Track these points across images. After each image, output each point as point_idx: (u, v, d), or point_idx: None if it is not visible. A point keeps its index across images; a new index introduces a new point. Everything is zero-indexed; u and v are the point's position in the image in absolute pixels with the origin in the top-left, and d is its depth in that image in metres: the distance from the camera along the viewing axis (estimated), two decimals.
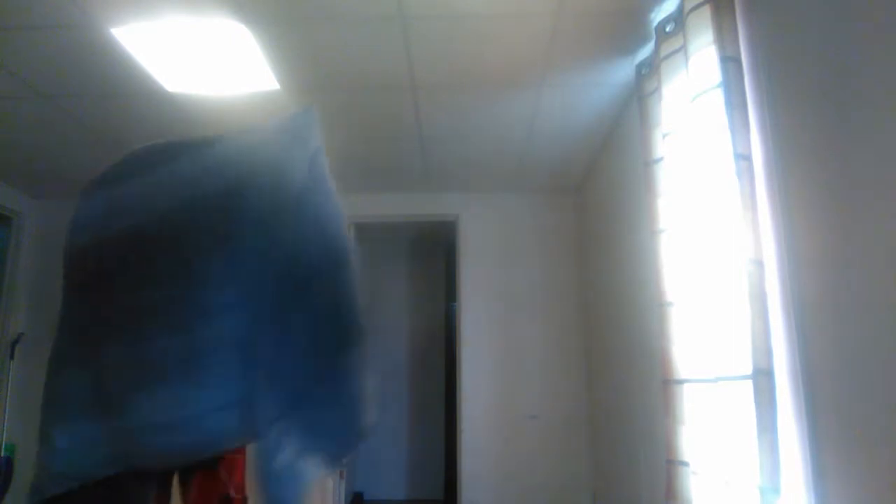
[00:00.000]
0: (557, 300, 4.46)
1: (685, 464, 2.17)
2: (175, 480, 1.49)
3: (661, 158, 2.41)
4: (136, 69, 2.78)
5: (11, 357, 4.25)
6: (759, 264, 1.70)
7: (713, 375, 1.94)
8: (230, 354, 1.28)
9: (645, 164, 2.53)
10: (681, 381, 2.22)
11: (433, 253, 5.82)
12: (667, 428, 2.27)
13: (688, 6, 2.05)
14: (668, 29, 2.30)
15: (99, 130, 3.44)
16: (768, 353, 1.66)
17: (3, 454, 4.10)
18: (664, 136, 2.33)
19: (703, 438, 2.00)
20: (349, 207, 4.93)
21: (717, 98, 1.91)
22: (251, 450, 1.33)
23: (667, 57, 2.29)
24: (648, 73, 2.58)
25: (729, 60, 1.87)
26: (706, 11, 1.96)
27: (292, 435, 1.34)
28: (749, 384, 1.69)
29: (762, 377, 1.64)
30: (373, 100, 3.18)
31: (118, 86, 2.93)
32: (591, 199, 4.24)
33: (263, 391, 1.30)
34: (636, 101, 2.73)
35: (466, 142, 3.71)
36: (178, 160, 1.39)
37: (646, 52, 2.63)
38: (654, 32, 2.43)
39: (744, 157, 1.78)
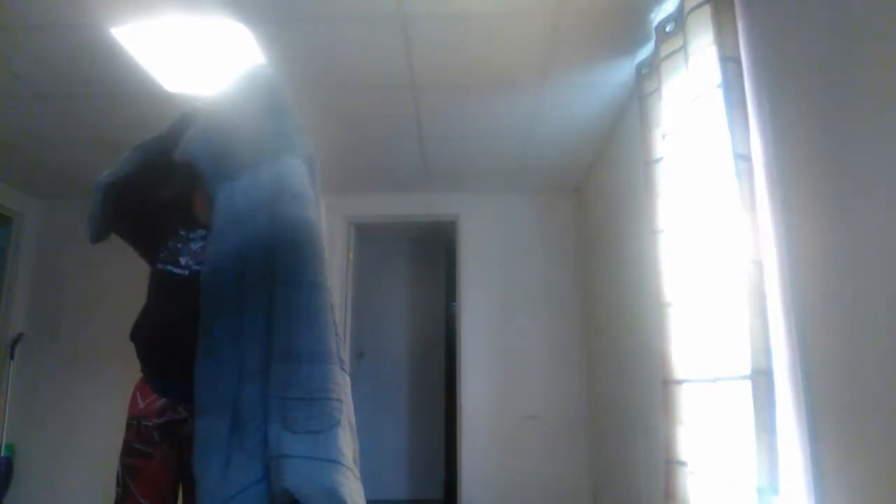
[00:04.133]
0: (557, 300, 4.45)
1: (683, 463, 2.17)
2: None
3: (661, 158, 2.41)
4: (136, 69, 2.78)
5: (11, 357, 4.25)
6: (759, 264, 1.70)
7: (712, 376, 1.94)
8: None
9: (645, 164, 2.53)
10: (679, 382, 2.22)
11: (433, 253, 5.81)
12: (665, 428, 2.27)
13: (688, 6, 2.05)
14: (668, 29, 2.30)
15: (99, 130, 3.43)
16: (767, 352, 1.65)
17: (3, 454, 4.10)
18: (664, 136, 2.33)
19: (702, 438, 2.00)
20: (349, 207, 4.92)
21: (717, 98, 1.91)
22: None
23: (667, 57, 2.29)
24: (648, 73, 2.58)
25: (729, 60, 1.87)
26: (706, 11, 1.96)
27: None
28: (748, 384, 1.69)
29: (761, 377, 1.64)
30: (373, 100, 3.18)
31: (118, 86, 2.93)
32: (591, 200, 4.24)
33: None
34: (636, 101, 2.73)
35: (466, 142, 3.71)
36: None
37: (646, 52, 2.62)
38: (654, 32, 2.43)
39: (743, 158, 1.78)
